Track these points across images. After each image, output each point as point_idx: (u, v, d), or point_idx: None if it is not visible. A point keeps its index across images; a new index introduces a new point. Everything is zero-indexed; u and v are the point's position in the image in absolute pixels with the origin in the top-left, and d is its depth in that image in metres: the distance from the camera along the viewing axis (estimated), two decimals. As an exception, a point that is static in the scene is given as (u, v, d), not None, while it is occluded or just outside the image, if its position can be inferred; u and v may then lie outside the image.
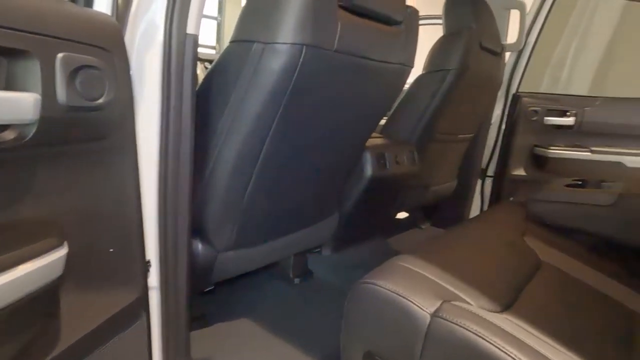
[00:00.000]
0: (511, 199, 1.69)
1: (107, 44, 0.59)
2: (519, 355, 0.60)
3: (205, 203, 1.03)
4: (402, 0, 1.09)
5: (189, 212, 0.88)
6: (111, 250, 0.63)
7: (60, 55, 0.52)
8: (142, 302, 0.73)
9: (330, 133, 1.14)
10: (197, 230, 1.03)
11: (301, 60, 0.88)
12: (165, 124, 0.78)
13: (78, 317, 0.58)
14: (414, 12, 1.16)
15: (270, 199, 1.12)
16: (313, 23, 0.87)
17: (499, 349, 0.61)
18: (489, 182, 2.40)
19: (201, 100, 0.93)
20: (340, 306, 1.42)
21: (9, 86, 0.49)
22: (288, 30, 0.85)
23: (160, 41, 0.76)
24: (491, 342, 0.62)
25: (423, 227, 2.42)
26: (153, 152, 0.78)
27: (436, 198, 2.17)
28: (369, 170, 1.51)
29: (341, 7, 0.93)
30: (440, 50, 1.73)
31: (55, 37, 0.51)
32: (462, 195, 2.35)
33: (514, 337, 0.64)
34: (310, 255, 1.69)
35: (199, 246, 1.06)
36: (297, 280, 1.59)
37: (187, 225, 0.88)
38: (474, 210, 2.44)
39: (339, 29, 0.93)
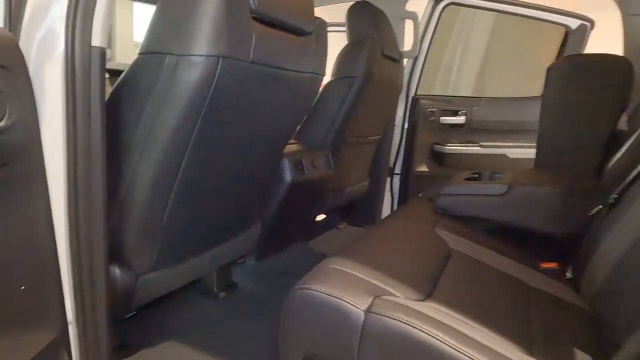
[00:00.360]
0: (420, 195, 1.83)
1: (5, 61, 0.53)
2: (446, 338, 0.67)
3: (122, 224, 0.96)
4: (311, 12, 1.13)
5: (105, 238, 0.82)
6: (23, 287, 0.57)
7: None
8: (63, 341, 0.67)
9: (249, 143, 1.14)
10: (115, 254, 0.96)
11: (218, 72, 0.87)
12: (73, 146, 0.72)
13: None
14: (322, 23, 1.21)
15: (192, 214, 1.09)
16: (228, 35, 0.86)
17: (429, 335, 0.67)
18: (397, 179, 2.58)
19: (111, 116, 0.87)
20: (268, 315, 1.42)
21: None
22: (204, 42, 0.84)
23: (62, 53, 0.70)
24: (422, 329, 0.68)
25: (341, 227, 2.51)
26: (60, 177, 0.71)
27: (351, 198, 2.27)
28: (288, 176, 1.53)
29: (255, 19, 0.94)
30: (346, 58, 1.81)
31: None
32: (374, 193, 2.49)
33: (440, 322, 0.71)
34: (234, 267, 1.66)
35: (117, 272, 0.99)
36: (222, 295, 1.55)
37: (103, 252, 0.82)
38: (386, 206, 2.60)
39: (254, 41, 0.94)
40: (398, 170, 2.56)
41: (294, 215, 1.76)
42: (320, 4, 2.24)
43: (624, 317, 0.75)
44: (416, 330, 0.68)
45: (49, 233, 0.64)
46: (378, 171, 2.46)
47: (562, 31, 2.52)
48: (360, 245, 1.01)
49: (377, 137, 2.26)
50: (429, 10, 2.34)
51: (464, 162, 2.50)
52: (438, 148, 2.54)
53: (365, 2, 1.92)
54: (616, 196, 1.06)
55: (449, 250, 1.09)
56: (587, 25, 2.42)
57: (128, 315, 1.22)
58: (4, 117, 0.52)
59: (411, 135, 2.48)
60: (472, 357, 0.65)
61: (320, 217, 2.45)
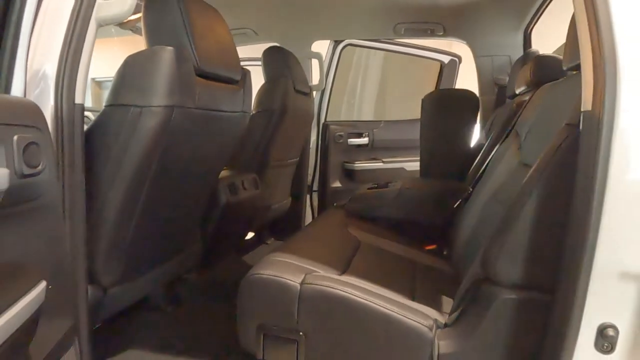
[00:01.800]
0: (335, 204, 2.18)
1: (39, 124, 0.75)
2: (357, 293, 0.99)
3: (93, 245, 1.15)
4: (238, 66, 1.44)
5: (84, 257, 1.01)
6: (50, 287, 0.77)
7: (15, 137, 0.67)
8: (75, 329, 0.86)
9: (195, 170, 1.39)
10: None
11: (172, 117, 1.13)
12: (62, 183, 0.92)
13: (42, 340, 0.70)
14: (246, 72, 1.51)
15: (151, 230, 1.30)
16: (179, 89, 1.13)
17: (346, 292, 0.99)
18: (315, 195, 2.93)
19: (85, 156, 1.08)
20: (213, 322, 1.63)
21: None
22: (161, 95, 1.10)
23: (52, 108, 0.91)
24: (340, 290, 0.99)
25: (268, 242, 2.77)
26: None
27: (276, 215, 2.55)
28: (223, 197, 1.78)
29: (197, 75, 1.22)
30: (265, 94, 2.13)
31: (10, 125, 0.67)
32: (296, 209, 2.80)
33: (353, 284, 1.03)
34: (177, 282, 1.84)
35: (88, 287, 1.17)
36: (170, 309, 1.73)
37: (84, 268, 1.00)
38: (308, 220, 2.92)
39: (197, 91, 1.21)
40: (315, 187, 2.91)
41: (229, 232, 2.00)
42: (240, 44, 2.54)
43: (468, 267, 1.14)
44: (337, 291, 1.00)
45: (64, 247, 0.84)
46: (298, 189, 2.78)
47: (438, 65, 3.09)
48: (291, 243, 1.31)
49: (295, 160, 2.59)
50: (331, 50, 2.77)
51: (370, 176, 2.93)
52: (348, 166, 2.94)
53: (277, 46, 2.27)
54: (470, 191, 1.49)
55: (358, 242, 1.43)
56: (456, 60, 3.01)
57: (95, 327, 1.37)
58: (39, 163, 0.74)
59: (324, 156, 2.86)
60: (375, 303, 0.98)
61: (250, 235, 2.70)
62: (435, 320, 0.99)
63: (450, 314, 1.02)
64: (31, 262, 0.71)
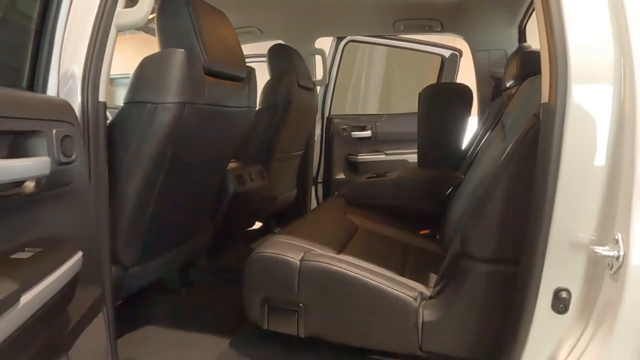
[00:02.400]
0: (335, 193, 2.30)
1: (71, 119, 0.88)
2: (352, 269, 1.10)
3: (114, 228, 1.28)
4: (243, 64, 1.55)
5: (107, 236, 1.14)
6: (83, 259, 0.90)
7: (54, 130, 0.80)
8: (103, 298, 0.99)
9: (204, 162, 1.52)
10: (108, 252, 1.27)
11: (184, 113, 1.25)
12: (88, 171, 1.05)
13: (78, 303, 0.83)
14: (251, 69, 1.63)
15: (166, 216, 1.43)
16: (190, 86, 1.25)
17: (341, 268, 1.10)
18: (320, 187, 3.05)
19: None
20: (222, 303, 1.76)
21: (26, 153, 0.75)
22: (174, 93, 1.22)
23: (79, 105, 1.04)
24: (336, 266, 1.11)
25: (276, 232, 2.90)
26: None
27: (282, 206, 2.68)
28: (231, 188, 1.91)
29: (206, 73, 1.34)
30: (270, 90, 2.24)
31: (50, 120, 0.80)
32: (302, 200, 2.92)
33: (348, 261, 1.14)
34: (189, 268, 1.98)
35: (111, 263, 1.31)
36: (183, 291, 1.87)
37: (107, 245, 1.13)
38: (313, 211, 3.05)
39: (206, 89, 1.33)
40: (320, 179, 3.03)
41: (237, 220, 2.13)
42: (246, 42, 2.66)
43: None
44: (332, 267, 1.12)
45: (92, 226, 0.97)
46: (303, 181, 2.90)
47: (439, 59, 3.17)
48: (293, 227, 1.43)
49: (300, 152, 2.71)
50: (333, 47, 2.87)
51: (374, 168, 3.03)
52: (351, 158, 3.04)
53: (281, 44, 2.38)
54: (460, 179, 1.59)
55: (356, 227, 1.55)
56: (456, 54, 3.09)
57: (117, 303, 1.51)
58: (72, 154, 0.86)
59: (328, 149, 2.97)
60: (367, 277, 1.10)
61: (258, 225, 2.83)
62: (421, 293, 1.11)
63: (434, 287, 1.14)
64: (68, 237, 0.84)
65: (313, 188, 3.01)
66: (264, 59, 2.45)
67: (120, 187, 1.26)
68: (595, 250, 0.75)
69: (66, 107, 0.89)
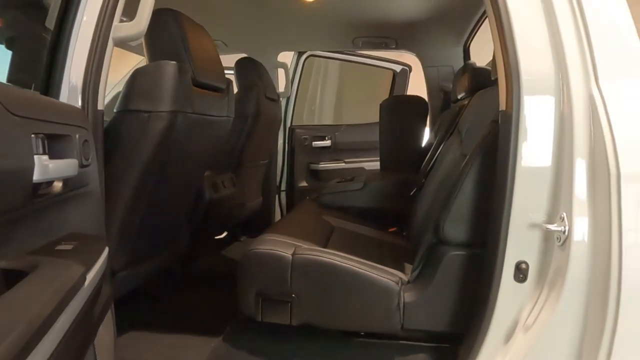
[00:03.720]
0: (307, 197, 2.42)
1: (87, 125, 0.94)
2: (338, 259, 1.23)
3: (107, 230, 1.32)
4: (223, 76, 1.65)
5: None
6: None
7: (77, 135, 0.86)
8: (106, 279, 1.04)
9: (188, 168, 1.59)
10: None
11: (176, 121, 1.33)
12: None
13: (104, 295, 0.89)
14: (229, 81, 1.73)
15: (154, 221, 1.48)
16: (181, 96, 1.33)
17: (328, 259, 1.23)
18: (283, 195, 3.15)
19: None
20: (206, 306, 1.81)
21: (58, 155, 0.81)
22: (167, 102, 1.30)
23: (80, 115, 1.09)
24: (324, 257, 1.23)
25: (242, 239, 2.96)
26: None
27: (249, 213, 2.75)
28: (207, 194, 1.97)
29: (194, 84, 1.42)
30: (240, 101, 2.33)
31: (74, 125, 0.86)
32: (266, 208, 3.01)
33: (334, 253, 1.27)
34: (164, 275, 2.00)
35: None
36: (163, 297, 1.89)
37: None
38: (277, 219, 3.14)
39: (194, 99, 1.41)
40: (283, 187, 3.14)
41: (210, 227, 2.19)
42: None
43: (423, 240, 1.42)
44: (322, 258, 1.24)
45: (102, 226, 1.02)
46: (268, 189, 2.99)
47: (391, 73, 3.41)
48: (277, 227, 1.54)
49: (265, 161, 2.81)
50: (295, 61, 3.02)
51: (334, 175, 3.18)
52: (313, 166, 3.18)
53: (248, 57, 2.48)
54: (423, 181, 1.78)
55: (332, 227, 1.68)
56: (406, 69, 3.35)
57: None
58: (89, 157, 0.92)
59: (291, 158, 3.09)
60: (353, 266, 1.23)
61: (224, 234, 2.88)
62: (400, 278, 1.25)
63: (411, 273, 1.29)
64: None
65: (277, 196, 3.11)
66: (229, 71, 2.54)
67: (111, 194, 1.31)
68: (547, 227, 0.93)
69: (82, 114, 0.95)
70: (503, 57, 1.00)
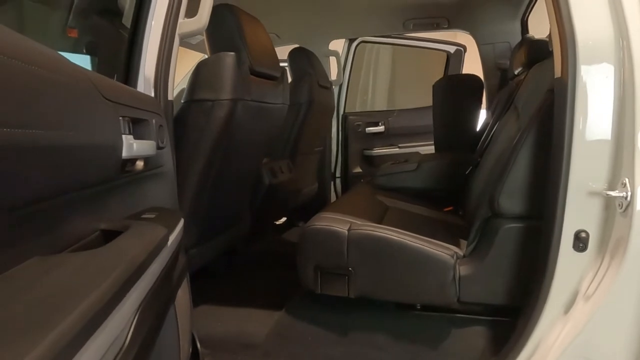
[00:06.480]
0: (362, 180, 2.47)
1: (161, 112, 1.05)
2: (393, 234, 1.27)
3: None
4: (278, 65, 1.73)
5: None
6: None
7: (153, 120, 0.97)
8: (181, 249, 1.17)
9: (248, 153, 1.69)
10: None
11: (237, 108, 1.43)
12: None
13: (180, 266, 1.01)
14: (284, 70, 1.80)
15: (219, 203, 1.60)
16: (240, 85, 1.43)
17: (383, 234, 1.27)
18: (338, 181, 3.21)
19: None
20: (264, 285, 1.92)
21: (139, 137, 0.93)
22: (228, 91, 1.39)
23: (153, 106, 1.21)
24: (379, 232, 1.28)
25: (299, 225, 3.07)
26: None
27: (305, 199, 2.84)
28: (266, 179, 2.08)
29: (251, 73, 1.51)
30: (293, 90, 2.41)
31: (150, 112, 0.97)
32: (322, 194, 3.09)
33: (389, 228, 1.31)
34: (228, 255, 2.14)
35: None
36: (227, 275, 2.03)
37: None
38: (332, 205, 3.21)
39: (252, 87, 1.50)
40: (338, 173, 3.20)
41: (270, 211, 2.30)
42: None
43: (479, 217, 1.41)
44: (377, 233, 1.28)
45: (176, 203, 1.14)
46: (323, 176, 3.07)
47: (445, 55, 3.35)
48: (333, 206, 1.60)
49: (320, 148, 2.88)
50: (346, 48, 3.05)
51: (388, 160, 3.20)
52: (367, 152, 3.21)
53: (301, 47, 2.56)
54: (478, 160, 1.76)
55: (387, 207, 1.71)
56: (461, 49, 3.26)
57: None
58: (164, 140, 1.03)
59: (345, 145, 3.14)
60: (409, 240, 1.26)
61: (282, 220, 3.00)
62: (455, 252, 1.27)
63: (467, 247, 1.30)
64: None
65: (332, 183, 3.18)
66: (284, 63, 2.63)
67: (182, 176, 1.43)
68: (608, 193, 0.91)
69: (156, 102, 1.07)
70: (557, 22, 0.98)
